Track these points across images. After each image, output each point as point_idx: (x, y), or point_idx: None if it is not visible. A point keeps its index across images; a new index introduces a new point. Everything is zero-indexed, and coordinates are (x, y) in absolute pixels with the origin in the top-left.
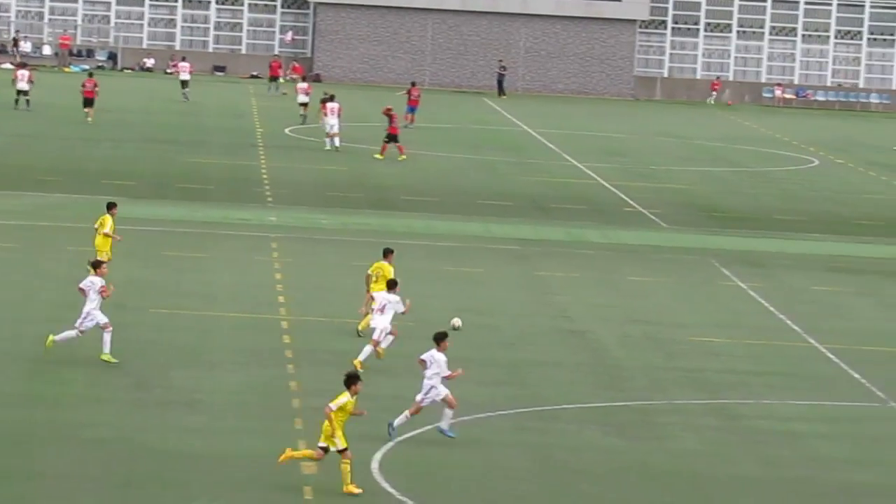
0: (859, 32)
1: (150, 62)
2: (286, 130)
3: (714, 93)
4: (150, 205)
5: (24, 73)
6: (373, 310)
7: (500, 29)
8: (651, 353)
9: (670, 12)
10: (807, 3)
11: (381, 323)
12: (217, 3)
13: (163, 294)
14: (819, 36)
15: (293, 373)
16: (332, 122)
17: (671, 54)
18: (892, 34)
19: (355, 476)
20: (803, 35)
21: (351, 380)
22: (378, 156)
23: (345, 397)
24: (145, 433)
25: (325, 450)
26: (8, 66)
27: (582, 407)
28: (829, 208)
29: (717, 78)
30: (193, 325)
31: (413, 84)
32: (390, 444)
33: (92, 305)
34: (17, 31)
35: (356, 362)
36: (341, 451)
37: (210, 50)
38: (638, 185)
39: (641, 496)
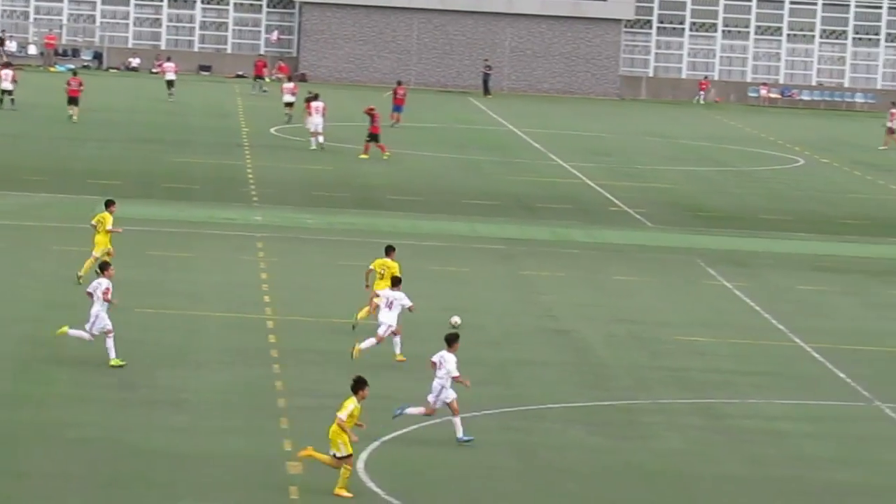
0: (844, 32)
1: (135, 62)
2: (272, 130)
3: (702, 92)
4: (136, 204)
5: (7, 73)
6: (378, 306)
7: (486, 28)
8: (636, 352)
9: (656, 12)
10: (792, 3)
11: (388, 319)
12: (202, 2)
13: (148, 294)
14: (804, 35)
15: (279, 372)
16: (316, 120)
17: (656, 54)
18: (877, 34)
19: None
20: (788, 35)
21: (358, 385)
22: (363, 155)
23: (352, 404)
24: (130, 433)
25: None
26: None
27: (567, 406)
28: (815, 208)
29: (705, 77)
30: (179, 324)
31: (399, 83)
32: (375, 443)
33: (98, 308)
34: (2, 31)
35: (357, 349)
36: (345, 458)
37: (195, 49)
38: (623, 185)
39: (626, 495)
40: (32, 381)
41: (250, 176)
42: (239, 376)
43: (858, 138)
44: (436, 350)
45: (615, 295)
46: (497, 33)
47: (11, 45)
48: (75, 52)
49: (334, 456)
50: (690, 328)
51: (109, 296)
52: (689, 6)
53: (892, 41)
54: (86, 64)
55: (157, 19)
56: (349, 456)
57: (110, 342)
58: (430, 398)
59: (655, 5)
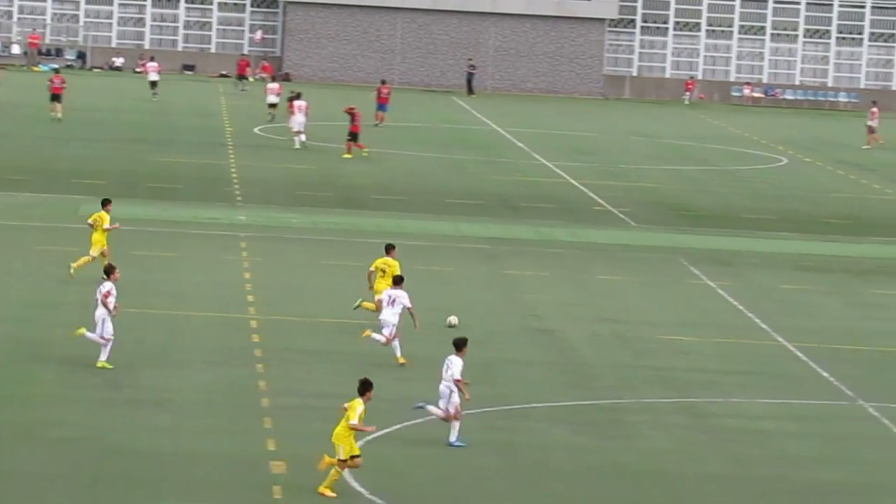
0: (828, 32)
1: (119, 61)
2: (255, 129)
3: (688, 93)
4: (120, 204)
5: None
6: (381, 304)
7: (470, 28)
8: (620, 351)
9: (639, 11)
10: (775, 3)
11: (390, 317)
12: (186, 2)
13: (132, 293)
14: (788, 35)
15: (262, 372)
16: (299, 119)
17: (640, 53)
18: (860, 33)
19: (325, 475)
20: (772, 34)
21: (365, 387)
22: (346, 155)
23: (360, 406)
24: (114, 432)
25: (354, 457)
26: None
27: (551, 406)
28: (798, 207)
29: (691, 77)
30: (163, 324)
31: (383, 82)
32: (359, 443)
33: (101, 311)
34: None
35: (367, 333)
36: (340, 461)
37: (179, 49)
38: (607, 184)
39: (610, 495)
40: (16, 381)
41: (234, 175)
42: (222, 376)
43: (842, 138)
44: (424, 349)
45: (599, 294)
46: (481, 33)
47: None
48: (59, 52)
49: (339, 459)
50: (674, 327)
51: (109, 300)
52: (672, 6)
53: (875, 41)
54: (69, 63)
55: (141, 19)
56: (345, 461)
57: (105, 345)
58: (442, 404)
59: (639, 5)
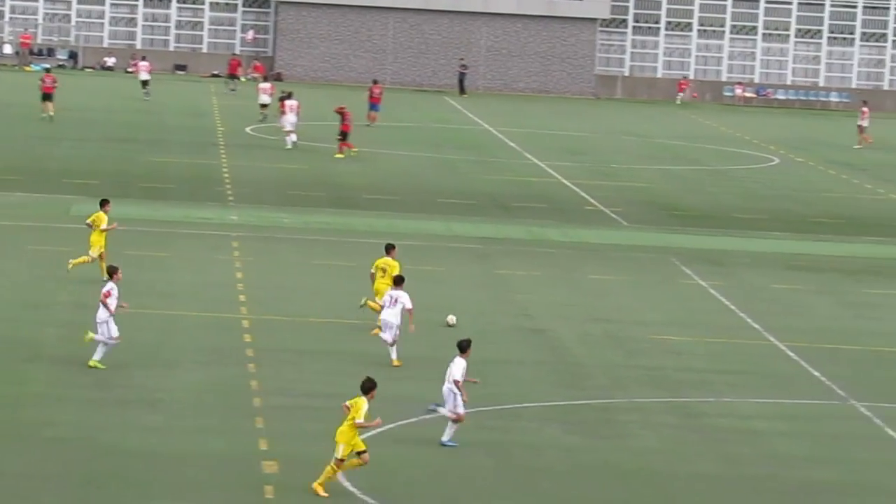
0: (819, 31)
1: (110, 61)
2: (247, 129)
3: (682, 93)
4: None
5: None
6: (383, 304)
7: (462, 28)
8: (611, 351)
9: (631, 11)
10: (767, 3)
11: (392, 317)
12: (178, 1)
13: (123, 293)
14: (779, 35)
15: (254, 372)
16: (291, 119)
17: (632, 53)
18: (851, 33)
19: (317, 475)
20: (764, 34)
21: (369, 385)
22: (338, 155)
23: (366, 405)
24: (106, 432)
25: (361, 452)
26: None
27: (542, 405)
28: (789, 207)
29: (685, 77)
30: (154, 324)
31: (375, 82)
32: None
33: (104, 312)
34: None
35: (375, 332)
36: (339, 461)
37: (171, 49)
38: (599, 184)
39: (602, 494)
40: (7, 381)
41: (226, 175)
42: (214, 376)
43: (833, 137)
44: (416, 349)
45: (591, 294)
46: (473, 32)
47: None
48: (51, 52)
49: (336, 459)
50: (666, 327)
51: (108, 300)
52: (664, 5)
53: (866, 41)
54: (61, 63)
55: (133, 18)
56: (343, 460)
57: (110, 342)
58: (448, 406)
59: (631, 5)
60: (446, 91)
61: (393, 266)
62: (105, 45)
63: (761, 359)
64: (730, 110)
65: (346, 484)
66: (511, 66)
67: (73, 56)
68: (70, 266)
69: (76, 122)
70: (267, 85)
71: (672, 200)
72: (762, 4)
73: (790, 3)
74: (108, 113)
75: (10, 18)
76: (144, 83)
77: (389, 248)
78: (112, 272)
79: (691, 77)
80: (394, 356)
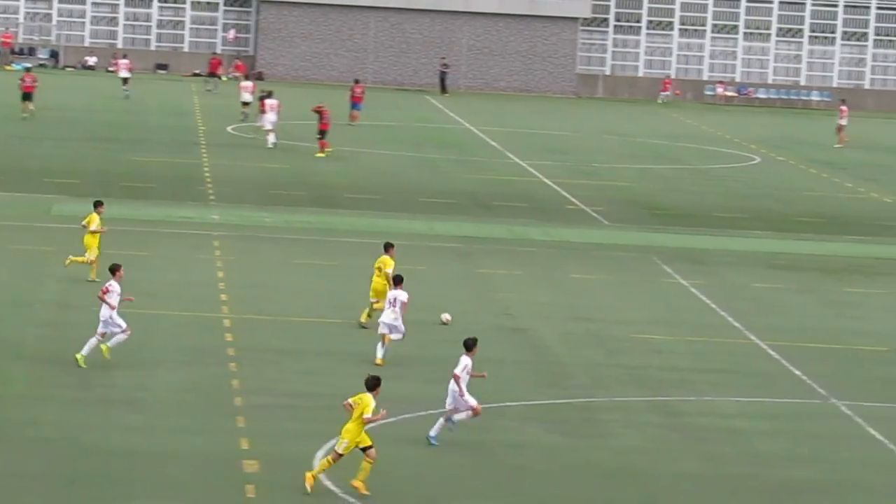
0: (800, 30)
1: (92, 60)
2: (229, 128)
3: (665, 92)
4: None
5: None
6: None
7: (443, 27)
8: (593, 350)
9: (612, 10)
10: (748, 2)
11: (391, 318)
12: (159, 1)
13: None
14: (760, 34)
15: (235, 371)
16: (271, 118)
17: (613, 52)
18: (832, 32)
19: (298, 474)
20: (745, 33)
21: (375, 383)
22: (319, 154)
23: (373, 401)
24: (88, 431)
25: (367, 448)
26: None
27: (524, 404)
28: (771, 206)
29: (668, 77)
30: (135, 323)
31: (356, 81)
32: (332, 441)
33: (106, 309)
34: None
35: (387, 339)
36: (338, 455)
37: (152, 48)
38: (580, 183)
39: (584, 493)
40: None
41: (207, 174)
42: (195, 375)
43: (814, 136)
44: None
45: (572, 293)
46: (454, 32)
47: None
48: (31, 51)
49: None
50: (647, 326)
51: (106, 296)
52: (645, 4)
53: (847, 40)
54: (42, 62)
55: (114, 18)
56: (369, 448)
57: (94, 341)
58: (448, 401)
59: (612, 4)
60: (428, 90)
61: (386, 263)
62: (86, 44)
63: (742, 358)
64: (711, 109)
65: (328, 483)
66: (492, 66)
67: (54, 55)
68: (67, 262)
69: (57, 122)
70: (249, 83)
71: (653, 199)
72: (743, 4)
73: (771, 3)
74: (89, 112)
75: None
76: (125, 81)
77: (388, 247)
78: (114, 270)
79: (672, 76)
80: (379, 354)
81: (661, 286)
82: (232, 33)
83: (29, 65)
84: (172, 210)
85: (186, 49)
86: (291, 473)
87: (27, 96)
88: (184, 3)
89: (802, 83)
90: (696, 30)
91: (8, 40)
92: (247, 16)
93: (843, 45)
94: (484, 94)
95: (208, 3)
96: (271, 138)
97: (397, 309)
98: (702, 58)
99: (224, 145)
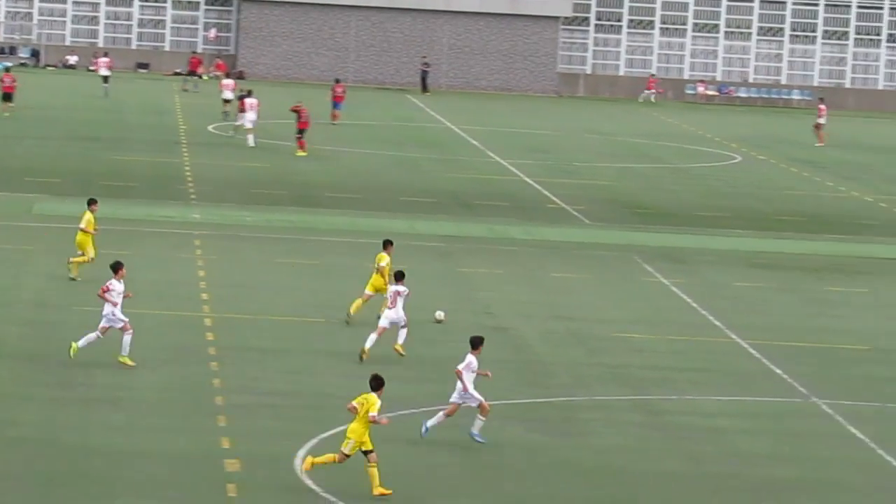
0: (781, 29)
1: (73, 59)
2: (209, 127)
3: (652, 91)
4: (74, 202)
5: None
6: (386, 299)
7: (424, 26)
8: (574, 349)
9: (593, 9)
10: (729, 1)
11: (392, 316)
12: (140, 0)
13: (86, 292)
14: (741, 33)
15: (216, 370)
16: (251, 117)
17: (594, 51)
18: (813, 31)
19: (279, 473)
20: (726, 32)
21: (379, 383)
22: (300, 153)
23: (378, 401)
24: (68, 431)
25: (368, 452)
26: None
27: (505, 403)
28: (751, 204)
29: (652, 76)
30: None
31: (337, 81)
32: (314, 440)
33: (109, 307)
34: None
35: (398, 347)
36: (345, 455)
37: (133, 47)
38: (561, 182)
39: (565, 492)
40: None
41: (188, 173)
42: (176, 374)
43: (795, 135)
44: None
45: (553, 292)
46: (435, 30)
47: None
48: (12, 50)
49: (342, 452)
50: (628, 325)
51: (106, 294)
52: (626, 4)
53: (828, 39)
54: (23, 62)
55: (95, 17)
56: (370, 452)
57: (92, 336)
58: (472, 401)
59: (593, 3)
60: (409, 89)
61: (380, 258)
62: (67, 43)
63: (723, 356)
64: (692, 108)
65: (308, 482)
66: (473, 64)
67: (35, 54)
68: (69, 263)
69: (38, 121)
70: (230, 81)
71: (634, 198)
72: (724, 3)
73: (752, 2)
74: (69, 111)
75: None
76: (105, 79)
77: (386, 244)
78: (116, 269)
79: (654, 74)
80: (368, 345)
81: (642, 285)
82: (213, 32)
83: (9, 64)
84: (153, 209)
85: (167, 48)
86: (272, 472)
87: (7, 97)
88: (165, 2)
89: (783, 82)
90: (676, 29)
91: None
92: (228, 15)
93: (823, 43)
94: (465, 93)
95: (189, 2)
96: (251, 137)
97: (400, 304)
98: (683, 57)
99: (205, 144)
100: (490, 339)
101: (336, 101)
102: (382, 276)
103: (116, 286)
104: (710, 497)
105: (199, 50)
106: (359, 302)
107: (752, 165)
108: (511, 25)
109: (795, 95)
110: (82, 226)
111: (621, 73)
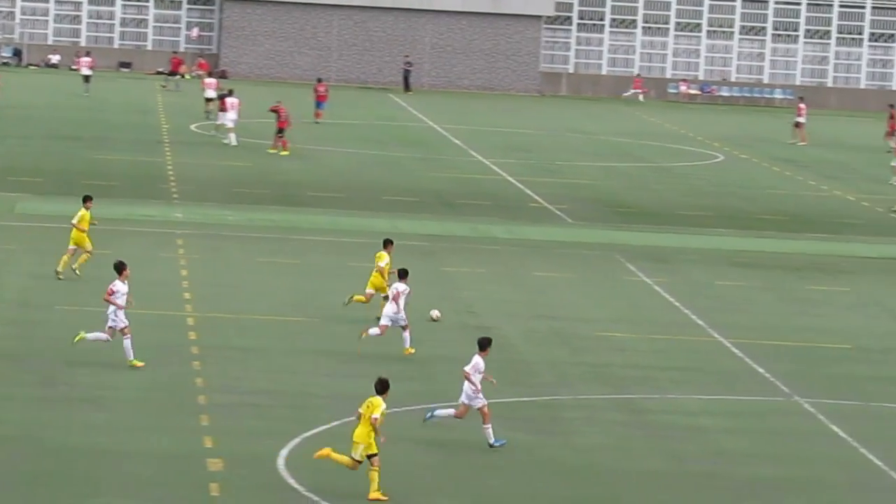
0: (763, 28)
1: (55, 58)
2: (192, 127)
3: (639, 91)
4: (55, 201)
5: None
6: (385, 297)
7: (406, 25)
8: (557, 348)
9: (576, 8)
10: (711, 0)
11: (391, 311)
12: None
13: (68, 291)
14: (723, 32)
15: (199, 369)
16: (231, 116)
17: (577, 50)
18: (795, 30)
19: (261, 472)
20: (708, 31)
21: (385, 386)
22: (283, 152)
23: (383, 405)
24: (50, 430)
25: (372, 456)
26: None
27: (488, 402)
28: (733, 203)
29: (638, 75)
30: (98, 322)
31: (319, 80)
32: (296, 440)
33: (112, 308)
34: None
35: (408, 350)
36: (357, 462)
37: (115, 46)
38: (544, 181)
39: (548, 491)
40: None
41: (170, 173)
42: (159, 373)
43: (777, 134)
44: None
45: (535, 291)
46: (417, 30)
47: None
48: None
49: (353, 458)
50: (611, 324)
51: (111, 297)
52: (608, 3)
53: (810, 38)
54: (5, 61)
55: (77, 16)
56: (374, 456)
57: (102, 336)
58: (463, 399)
59: (575, 2)
60: (391, 88)
61: (379, 257)
62: (49, 42)
63: (706, 355)
64: (674, 107)
65: (291, 481)
66: (456, 63)
67: (17, 53)
68: (75, 267)
69: (20, 120)
70: (212, 80)
71: (617, 197)
72: (706, 2)
73: (734, 1)
74: (52, 110)
75: None
76: (86, 78)
77: (387, 243)
78: (119, 270)
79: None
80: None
81: (624, 284)
82: (195, 31)
83: None
84: (135, 208)
85: (150, 47)
86: (255, 472)
87: None
88: (147, 1)
89: (765, 81)
90: (659, 28)
91: None
92: (210, 14)
93: (805, 42)
94: (447, 92)
95: (172, 1)
96: (233, 137)
97: (401, 302)
98: (665, 56)
99: (187, 143)
100: (473, 338)
101: (319, 101)
102: (382, 275)
103: (121, 287)
104: (692, 495)
105: (182, 49)
106: (360, 297)
107: (735, 164)
108: (493, 24)
109: (778, 94)
110: (74, 221)
111: (604, 72)
